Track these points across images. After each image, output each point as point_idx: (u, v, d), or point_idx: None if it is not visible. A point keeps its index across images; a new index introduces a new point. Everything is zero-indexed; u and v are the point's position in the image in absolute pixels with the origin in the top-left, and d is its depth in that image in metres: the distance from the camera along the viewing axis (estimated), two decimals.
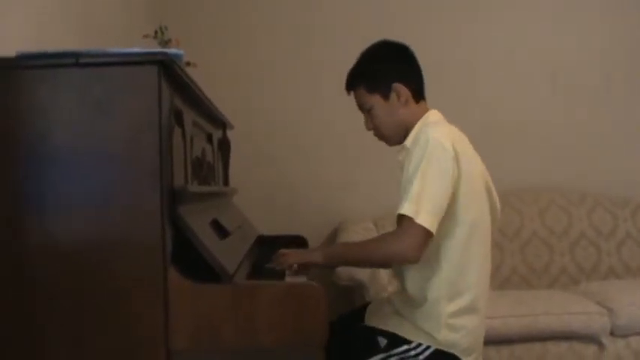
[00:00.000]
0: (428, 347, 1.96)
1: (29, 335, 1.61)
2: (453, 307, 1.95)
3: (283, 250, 2.15)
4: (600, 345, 3.11)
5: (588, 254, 3.74)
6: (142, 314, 1.61)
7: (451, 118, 2.15)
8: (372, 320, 2.16)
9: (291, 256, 2.10)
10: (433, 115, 2.11)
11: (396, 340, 2.00)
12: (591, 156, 4.02)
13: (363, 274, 3.02)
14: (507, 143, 3.96)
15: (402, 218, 1.89)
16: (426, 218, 1.84)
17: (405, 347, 1.98)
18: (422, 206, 1.84)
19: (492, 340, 2.98)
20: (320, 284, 1.71)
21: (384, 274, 3.11)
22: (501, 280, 3.63)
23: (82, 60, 1.60)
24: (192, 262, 1.66)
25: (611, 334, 3.13)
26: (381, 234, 2.07)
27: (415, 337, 1.98)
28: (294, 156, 3.90)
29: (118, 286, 1.61)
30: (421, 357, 1.96)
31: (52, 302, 1.61)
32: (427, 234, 1.86)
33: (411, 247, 1.86)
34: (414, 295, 2.02)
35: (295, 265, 2.09)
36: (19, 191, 1.61)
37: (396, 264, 2.10)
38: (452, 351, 1.97)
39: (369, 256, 2.08)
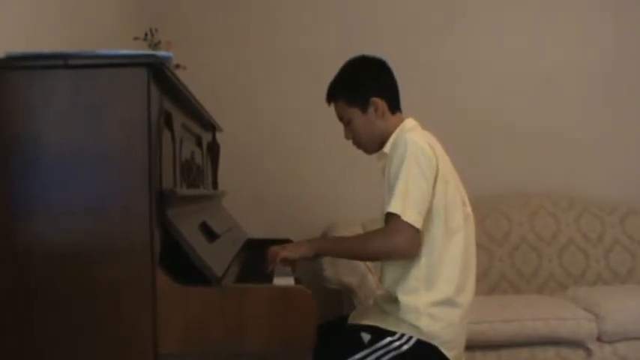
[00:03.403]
0: (410, 337, 2.02)
1: (19, 336, 1.61)
2: (431, 296, 2.03)
3: (274, 248, 2.17)
4: (587, 350, 3.13)
5: (576, 260, 3.75)
6: (130, 316, 1.61)
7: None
8: (355, 319, 2.21)
9: (282, 252, 2.11)
10: (409, 123, 2.21)
11: (379, 334, 2.04)
12: (580, 161, 4.04)
13: (352, 279, 3.02)
14: (496, 148, 3.98)
15: (389, 216, 1.99)
16: (412, 215, 1.96)
17: (388, 339, 2.02)
18: (407, 204, 1.96)
19: (480, 345, 3.00)
20: (309, 288, 1.71)
21: (372, 278, 3.11)
22: (490, 284, 3.64)
23: (71, 62, 1.60)
24: (181, 264, 1.66)
25: (598, 339, 3.14)
26: (371, 231, 2.13)
27: (397, 328, 2.03)
28: (284, 159, 3.90)
29: (107, 289, 1.61)
30: (405, 347, 2.01)
31: (40, 304, 1.61)
32: (414, 230, 1.96)
33: (402, 243, 1.98)
34: (395, 289, 2.08)
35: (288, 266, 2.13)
36: (7, 193, 1.61)
37: (387, 259, 2.14)
38: (434, 342, 2.02)
39: (358, 252, 2.21)
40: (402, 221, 1.95)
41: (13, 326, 1.61)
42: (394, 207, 1.96)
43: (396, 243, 1.97)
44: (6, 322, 1.61)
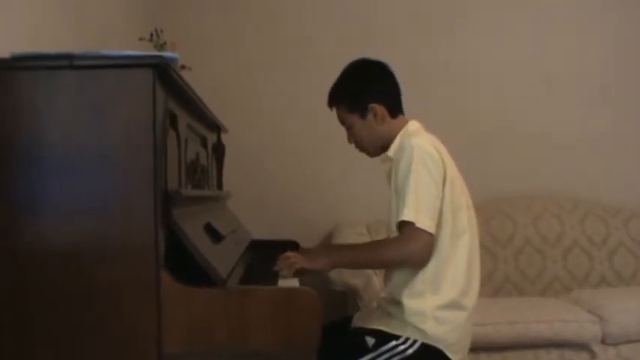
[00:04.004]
0: (415, 341, 2.01)
1: (21, 335, 1.61)
2: (437, 300, 2.02)
3: (288, 254, 2.16)
4: (591, 353, 3.12)
5: (581, 262, 3.75)
6: (135, 317, 1.61)
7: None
8: (359, 322, 2.21)
9: (298, 262, 2.10)
10: (412, 125, 2.20)
11: (383, 337, 2.04)
12: (584, 164, 4.03)
13: (357, 280, 3.02)
14: (500, 150, 3.97)
15: (403, 224, 1.98)
16: (425, 221, 1.95)
17: (393, 343, 2.02)
18: (420, 210, 1.95)
19: (484, 347, 2.99)
20: (313, 289, 1.71)
21: (377, 280, 3.11)
22: (494, 287, 3.63)
23: (77, 62, 1.60)
24: (186, 265, 1.66)
25: (602, 342, 3.14)
26: (385, 239, 2.13)
27: (402, 332, 2.03)
28: (288, 160, 3.91)
29: (111, 289, 1.61)
30: (410, 351, 2.00)
31: (44, 304, 1.61)
32: (429, 236, 1.96)
33: (417, 250, 1.98)
34: (400, 293, 2.07)
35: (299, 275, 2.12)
36: (12, 193, 1.61)
37: (401, 267, 2.12)
38: (439, 346, 2.02)
39: (373, 263, 2.27)
40: (417, 228, 1.95)
41: (13, 326, 1.61)
42: (407, 215, 1.95)
43: (412, 251, 1.97)
44: (6, 322, 1.61)
